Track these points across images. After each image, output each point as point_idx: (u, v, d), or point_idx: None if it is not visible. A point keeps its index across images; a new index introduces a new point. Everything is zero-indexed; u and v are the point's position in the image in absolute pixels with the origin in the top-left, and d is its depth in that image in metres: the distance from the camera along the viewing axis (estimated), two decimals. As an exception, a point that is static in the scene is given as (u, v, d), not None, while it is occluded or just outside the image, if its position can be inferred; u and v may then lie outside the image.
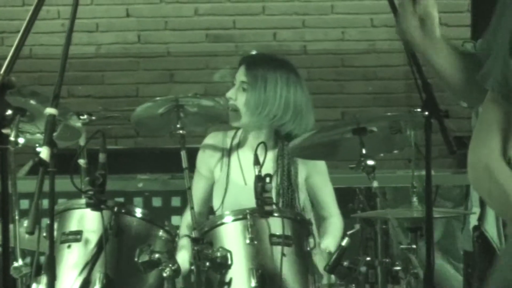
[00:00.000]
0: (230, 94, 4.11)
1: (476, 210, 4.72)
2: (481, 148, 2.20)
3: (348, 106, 6.72)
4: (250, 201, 3.73)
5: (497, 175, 2.14)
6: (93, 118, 4.15)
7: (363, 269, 3.95)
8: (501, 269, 2.75)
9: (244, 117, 4.02)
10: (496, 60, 2.20)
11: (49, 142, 2.03)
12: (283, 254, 3.45)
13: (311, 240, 3.52)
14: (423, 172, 2.94)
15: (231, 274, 3.46)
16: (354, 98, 6.72)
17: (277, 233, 3.49)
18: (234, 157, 4.30)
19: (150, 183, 5.35)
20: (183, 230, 3.82)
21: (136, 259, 3.35)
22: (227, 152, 4.30)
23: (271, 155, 4.09)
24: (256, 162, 3.75)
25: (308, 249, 3.55)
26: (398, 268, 4.11)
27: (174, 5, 6.28)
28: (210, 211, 4.22)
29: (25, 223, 3.20)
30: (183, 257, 3.65)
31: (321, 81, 6.21)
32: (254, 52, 4.83)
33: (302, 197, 4.21)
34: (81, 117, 3.92)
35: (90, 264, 3.32)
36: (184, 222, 4.05)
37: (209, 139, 4.34)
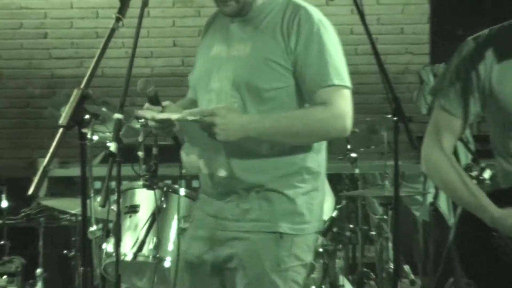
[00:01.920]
0: None
1: (432, 190, 4.67)
2: (429, 147, 2.24)
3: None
4: None
5: (440, 169, 2.17)
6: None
7: (347, 233, 4.00)
8: None
9: None
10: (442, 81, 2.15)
11: (116, 139, 2.02)
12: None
13: None
14: (393, 162, 2.88)
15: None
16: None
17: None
18: None
19: (190, 170, 5.25)
20: None
21: (180, 226, 3.34)
22: None
23: None
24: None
25: None
26: (373, 233, 4.19)
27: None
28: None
29: (98, 199, 3.20)
30: None
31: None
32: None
33: None
34: (140, 121, 3.92)
35: (145, 230, 3.34)
36: None
37: None
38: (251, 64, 2.19)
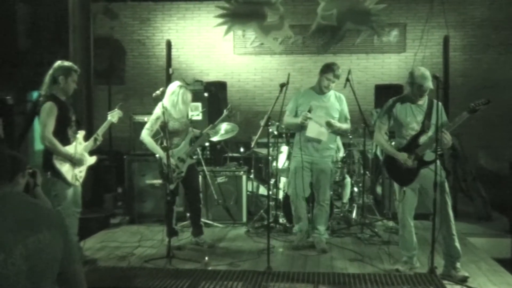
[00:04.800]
0: None
1: (374, 148, 7.27)
2: (377, 134, 5.01)
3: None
4: None
5: (376, 137, 5.03)
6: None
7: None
8: None
9: None
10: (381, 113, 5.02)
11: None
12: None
13: None
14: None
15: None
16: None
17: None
18: None
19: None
20: None
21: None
22: None
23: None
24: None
25: None
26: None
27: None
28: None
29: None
30: None
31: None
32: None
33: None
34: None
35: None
36: None
37: None
38: (330, 108, 5.78)
